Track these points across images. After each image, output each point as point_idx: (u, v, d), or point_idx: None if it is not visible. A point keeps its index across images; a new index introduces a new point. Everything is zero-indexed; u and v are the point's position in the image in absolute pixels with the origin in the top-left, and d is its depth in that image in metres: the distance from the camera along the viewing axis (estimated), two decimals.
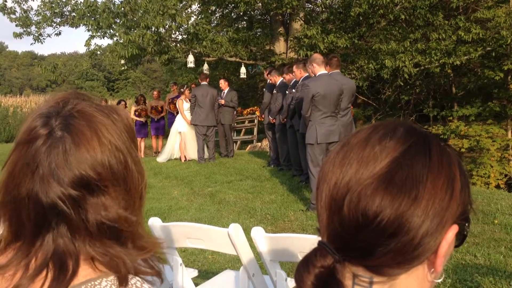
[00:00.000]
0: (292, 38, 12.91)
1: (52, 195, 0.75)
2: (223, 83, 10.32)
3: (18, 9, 13.19)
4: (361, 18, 11.82)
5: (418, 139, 0.65)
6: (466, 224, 0.67)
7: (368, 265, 0.64)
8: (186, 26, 11.97)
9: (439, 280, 0.65)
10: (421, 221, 0.61)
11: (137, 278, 0.82)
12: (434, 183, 0.62)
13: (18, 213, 0.76)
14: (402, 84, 13.46)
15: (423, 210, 0.61)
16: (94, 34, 12.73)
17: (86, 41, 12.94)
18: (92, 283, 0.77)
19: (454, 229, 0.63)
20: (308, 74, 6.99)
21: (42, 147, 0.76)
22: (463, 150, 11.56)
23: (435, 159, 0.63)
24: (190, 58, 12.16)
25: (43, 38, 13.58)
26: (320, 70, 5.71)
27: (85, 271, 0.77)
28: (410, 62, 11.14)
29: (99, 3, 12.23)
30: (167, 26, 11.73)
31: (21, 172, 0.77)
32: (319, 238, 0.69)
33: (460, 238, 0.67)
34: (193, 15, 13.47)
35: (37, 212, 0.75)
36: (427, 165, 0.63)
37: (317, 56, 5.83)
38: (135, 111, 11.84)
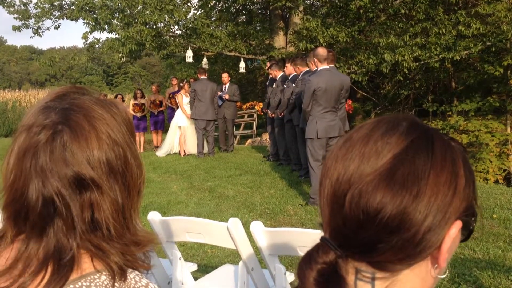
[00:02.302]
0: (292, 32, 12.87)
1: (50, 190, 0.74)
2: (226, 77, 10.29)
3: (17, 1, 13.15)
4: (361, 11, 11.77)
5: (421, 134, 0.64)
6: (473, 219, 0.66)
7: (371, 261, 0.64)
8: (184, 21, 11.92)
9: (443, 276, 0.65)
10: (423, 217, 0.60)
11: (136, 272, 0.82)
12: (437, 179, 0.61)
13: (21, 207, 0.76)
14: (401, 79, 13.43)
15: (425, 206, 0.60)
16: (92, 29, 12.69)
17: (84, 34, 12.89)
18: (92, 277, 0.77)
19: (457, 225, 0.63)
20: (308, 68, 6.99)
21: (41, 142, 0.76)
22: None
23: (438, 155, 0.63)
24: (189, 53, 12.12)
25: (42, 31, 13.53)
26: (322, 65, 5.72)
27: (84, 266, 0.78)
28: (410, 56, 11.10)
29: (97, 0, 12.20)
30: (165, 21, 11.68)
31: (22, 166, 0.77)
32: (319, 233, 0.68)
33: (466, 233, 0.67)
34: (192, 9, 13.38)
35: (38, 207, 0.75)
36: (430, 160, 0.62)
37: (320, 52, 5.82)
38: (132, 105, 11.84)
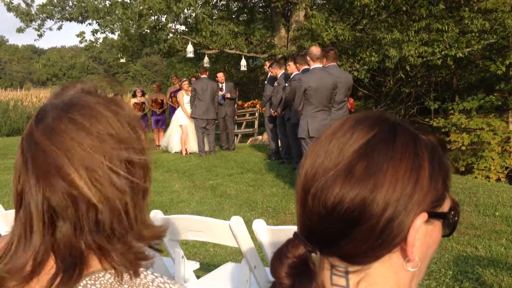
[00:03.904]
0: (294, 30, 12.85)
1: (53, 191, 0.74)
2: (221, 77, 10.36)
3: (22, 3, 13.16)
4: (366, 10, 11.76)
5: (384, 128, 0.65)
6: (452, 213, 0.67)
7: (339, 254, 0.65)
8: (187, 12, 11.81)
9: (414, 269, 0.65)
10: (382, 209, 0.61)
11: (142, 268, 0.82)
12: (395, 171, 0.62)
13: (25, 208, 0.76)
14: (403, 76, 13.41)
15: (383, 198, 0.61)
16: (94, 31, 12.66)
17: (80, 32, 12.86)
18: (96, 275, 0.77)
19: (422, 217, 0.63)
20: (308, 66, 6.99)
21: (43, 142, 0.76)
22: (463, 148, 11.54)
23: (399, 147, 0.63)
24: (189, 48, 12.03)
25: (43, 31, 13.53)
26: (315, 64, 5.73)
27: (89, 264, 0.78)
28: (416, 51, 11.01)
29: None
30: (166, 11, 11.55)
31: (25, 166, 0.77)
32: None
33: (449, 228, 0.68)
34: (196, 4, 13.32)
35: (45, 207, 0.75)
36: (389, 154, 0.63)
37: (313, 51, 5.82)
38: (133, 104, 11.85)
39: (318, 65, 5.73)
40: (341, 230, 0.63)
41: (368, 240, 0.62)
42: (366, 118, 0.67)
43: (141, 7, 10.73)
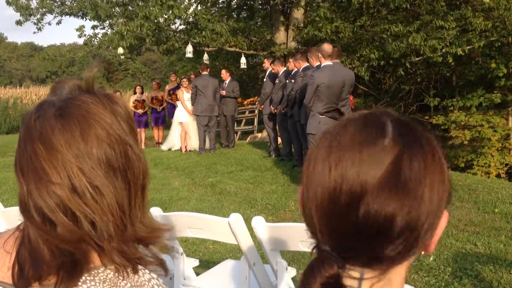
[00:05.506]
0: (293, 27, 12.85)
1: (48, 194, 0.73)
2: (224, 74, 10.32)
3: None
4: (364, 7, 11.74)
5: (410, 136, 0.64)
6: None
7: (369, 263, 0.64)
8: (184, 17, 11.84)
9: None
10: (425, 218, 0.62)
11: (140, 267, 0.82)
12: (432, 178, 0.62)
13: (29, 207, 0.76)
14: (403, 73, 13.39)
15: (427, 208, 0.62)
16: (97, 19, 12.62)
17: (80, 26, 12.83)
18: (96, 271, 0.77)
19: (446, 216, 0.65)
20: (308, 64, 6.99)
21: (37, 142, 0.75)
22: (465, 142, 11.53)
23: (429, 155, 0.64)
24: (189, 48, 12.04)
25: (42, 25, 13.44)
26: (326, 61, 5.81)
27: (90, 260, 0.78)
28: (425, 43, 10.93)
29: None
30: (165, 16, 11.61)
31: (19, 168, 0.76)
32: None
33: None
34: (193, 6, 13.30)
35: (43, 208, 0.75)
36: (424, 162, 0.63)
37: (325, 48, 5.90)
38: (133, 102, 11.85)
39: (329, 62, 5.82)
40: (389, 243, 0.62)
41: (410, 250, 0.63)
42: (385, 122, 0.65)
43: (139, 19, 10.76)
